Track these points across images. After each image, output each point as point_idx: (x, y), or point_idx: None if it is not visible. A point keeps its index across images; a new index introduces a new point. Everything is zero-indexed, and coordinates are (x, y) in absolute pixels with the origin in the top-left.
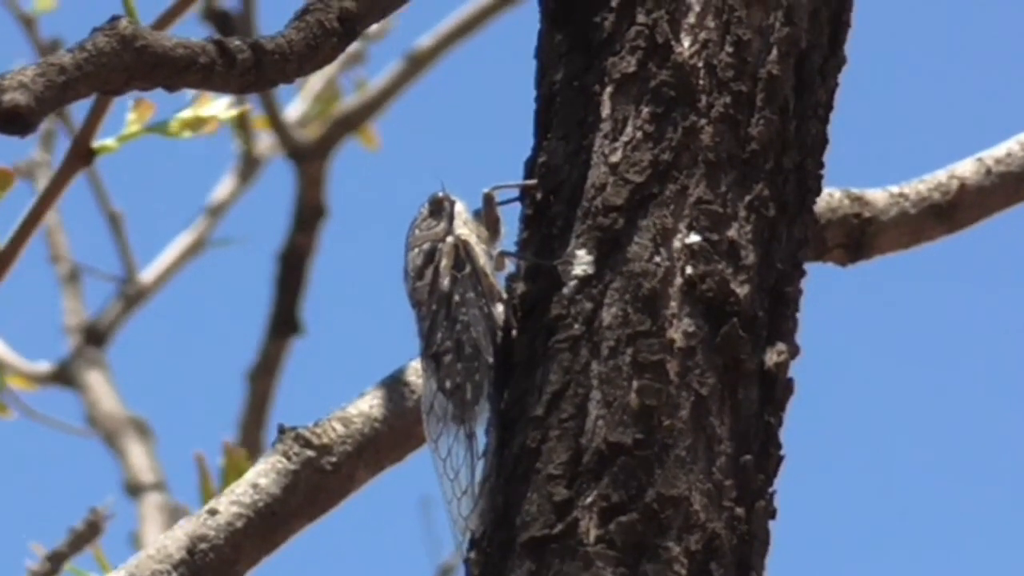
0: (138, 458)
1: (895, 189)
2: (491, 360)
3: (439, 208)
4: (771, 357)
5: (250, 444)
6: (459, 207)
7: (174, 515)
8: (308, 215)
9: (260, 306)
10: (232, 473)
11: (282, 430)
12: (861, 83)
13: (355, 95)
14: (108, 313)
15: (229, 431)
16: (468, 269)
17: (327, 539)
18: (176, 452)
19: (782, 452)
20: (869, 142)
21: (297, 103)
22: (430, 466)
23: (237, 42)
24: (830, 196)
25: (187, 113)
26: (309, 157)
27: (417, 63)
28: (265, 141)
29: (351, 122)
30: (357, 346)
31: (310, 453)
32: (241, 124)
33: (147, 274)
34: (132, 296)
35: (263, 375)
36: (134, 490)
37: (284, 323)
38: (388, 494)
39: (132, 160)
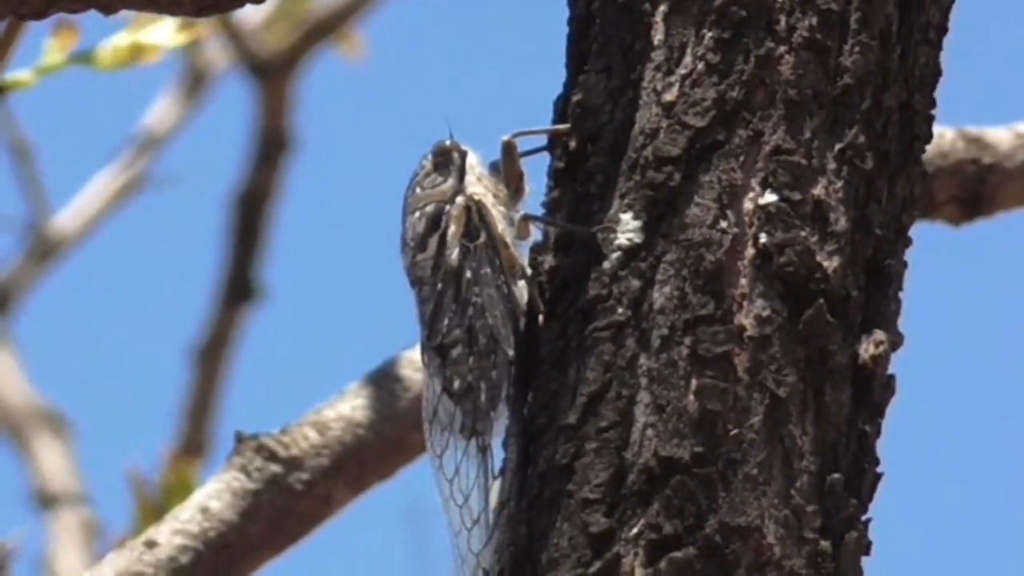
0: (51, 461)
1: (1023, 128)
2: (511, 353)
3: (446, 160)
4: (867, 348)
5: (194, 444)
6: (471, 158)
7: (97, 535)
8: (270, 147)
9: (209, 264)
10: (176, 490)
11: (240, 438)
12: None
13: None
14: (13, 271)
15: (168, 426)
16: (483, 237)
17: (292, 571)
18: (101, 453)
19: (880, 469)
20: (990, 71)
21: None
22: (427, 480)
23: None
24: (940, 137)
25: (122, 39)
26: (272, 72)
27: None
28: (215, 51)
29: (327, 26)
30: (334, 319)
31: (275, 468)
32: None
33: (63, 221)
34: (43, 249)
35: (212, 354)
36: (46, 501)
37: (239, 286)
38: (372, 513)
39: (46, 79)
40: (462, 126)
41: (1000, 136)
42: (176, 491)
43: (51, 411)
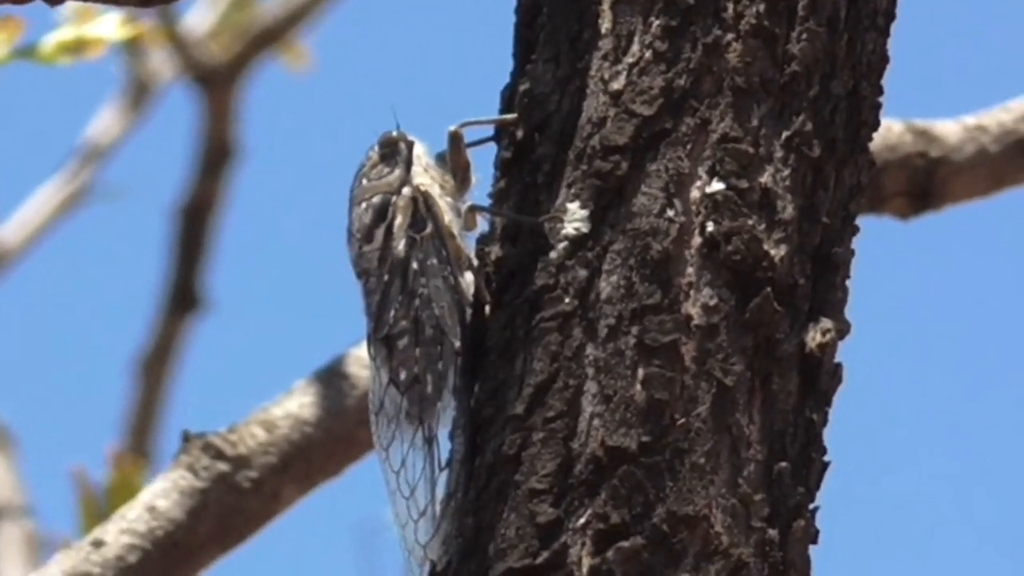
0: None
1: (971, 120)
2: (458, 344)
3: (392, 151)
4: (814, 337)
5: (139, 453)
6: (418, 149)
7: (42, 547)
8: (215, 157)
9: (152, 274)
10: (121, 491)
11: (187, 437)
12: None
13: (277, 1)
14: None
15: (112, 436)
16: (429, 228)
17: (241, 569)
18: (44, 465)
19: (827, 457)
20: (939, 62)
21: (201, 11)
22: (375, 479)
23: None
24: (888, 130)
25: (66, 33)
26: (217, 82)
27: None
28: (160, 61)
29: (271, 36)
30: (280, 328)
31: (223, 467)
32: (128, 41)
33: (7, 233)
34: None
35: (156, 364)
36: None
37: (183, 296)
38: (320, 515)
39: None
40: (408, 117)
41: (948, 129)
42: (121, 491)
43: None
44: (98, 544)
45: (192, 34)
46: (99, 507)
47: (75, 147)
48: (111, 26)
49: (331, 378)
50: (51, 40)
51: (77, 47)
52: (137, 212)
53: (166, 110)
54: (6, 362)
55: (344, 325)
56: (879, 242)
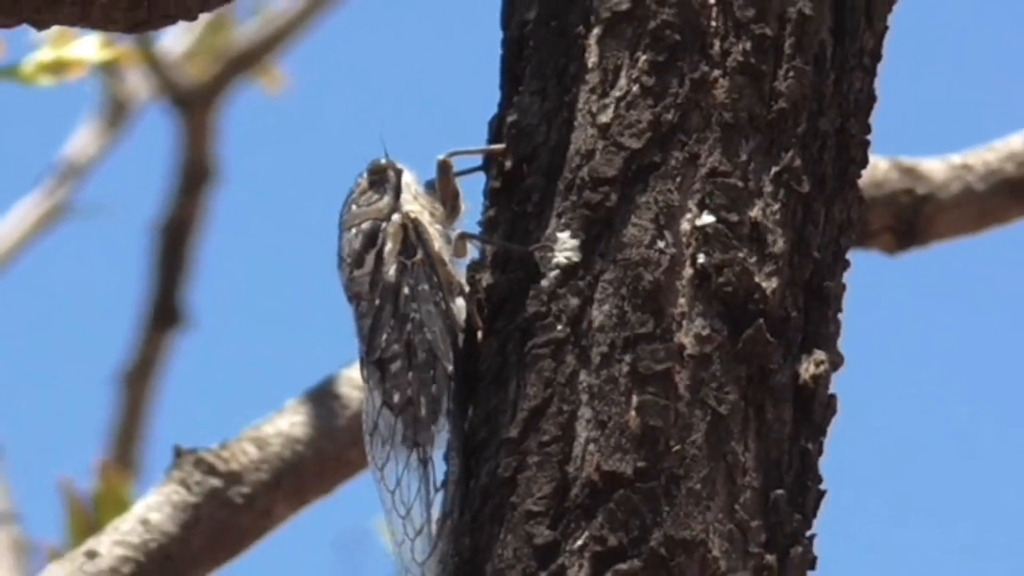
0: None
1: (957, 159)
2: (451, 368)
3: (382, 178)
4: (807, 368)
5: (123, 465)
6: (407, 177)
7: (28, 555)
8: (193, 176)
9: (132, 290)
10: (108, 501)
11: (179, 452)
12: (917, 26)
13: (253, 23)
14: None
15: (96, 447)
16: (420, 255)
17: None
18: (29, 474)
19: (822, 486)
20: (925, 101)
21: (178, 33)
22: (360, 493)
23: None
24: (875, 167)
25: (46, 54)
26: (195, 103)
27: None
28: (138, 82)
29: (248, 59)
30: (260, 344)
31: (215, 482)
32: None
33: None
34: None
35: (138, 377)
36: None
37: (164, 312)
38: (309, 531)
39: None
40: (396, 147)
41: (934, 167)
42: (108, 501)
43: None
44: (92, 555)
45: (169, 56)
46: (86, 517)
47: (53, 164)
48: (90, 48)
49: (322, 398)
50: (31, 61)
51: (57, 68)
52: (115, 230)
53: (143, 130)
54: None
55: (331, 351)
56: (866, 276)
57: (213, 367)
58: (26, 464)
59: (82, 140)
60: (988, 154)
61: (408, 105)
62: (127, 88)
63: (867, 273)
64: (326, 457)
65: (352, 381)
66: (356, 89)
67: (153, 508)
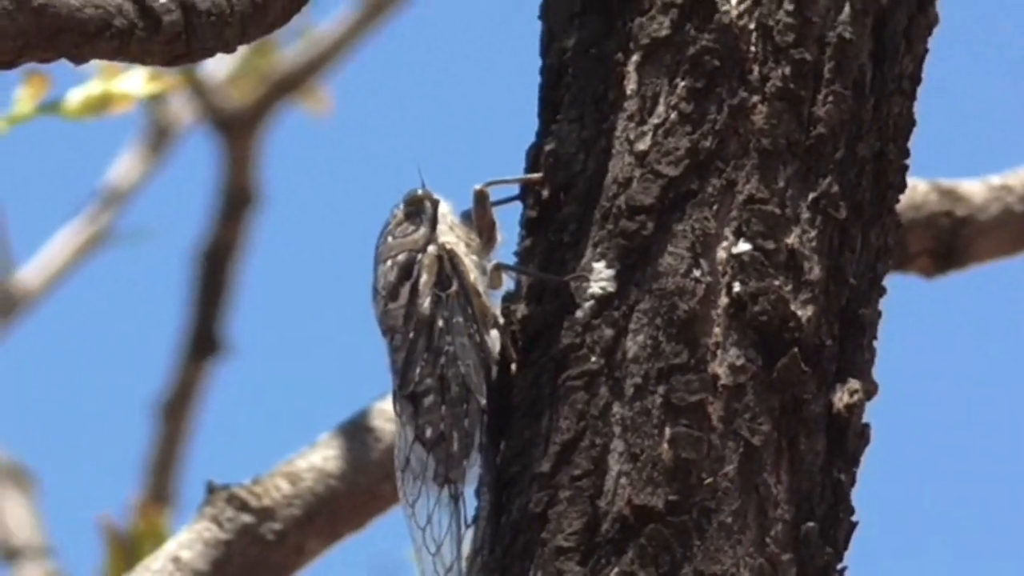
0: (16, 514)
1: (996, 180)
2: (484, 402)
3: (417, 209)
4: (841, 397)
5: (160, 498)
6: (443, 208)
7: None
8: (235, 202)
9: (173, 318)
10: (147, 537)
11: (212, 489)
12: (955, 45)
13: (297, 46)
14: None
15: (133, 480)
16: (455, 286)
17: None
18: (66, 508)
19: (855, 518)
20: (964, 121)
21: (222, 57)
22: (393, 525)
23: (163, 0)
24: (913, 189)
25: (92, 88)
26: (237, 127)
27: (378, 6)
28: (181, 106)
29: (292, 82)
30: (303, 376)
31: (247, 519)
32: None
33: (27, 276)
34: (8, 303)
35: (177, 408)
36: (10, 555)
37: (203, 340)
38: (343, 562)
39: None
40: (433, 175)
41: (973, 188)
42: (147, 538)
43: (16, 465)
44: None
45: (212, 80)
46: (125, 554)
47: (95, 191)
48: (138, 81)
49: (355, 431)
50: (77, 96)
51: (103, 103)
52: (157, 256)
53: (186, 155)
54: (26, 403)
55: (367, 378)
56: (904, 300)
57: (249, 397)
58: (61, 494)
59: (125, 165)
60: None
61: (446, 131)
62: (170, 113)
63: (905, 297)
64: (359, 491)
65: (385, 414)
66: (397, 112)
67: (184, 546)
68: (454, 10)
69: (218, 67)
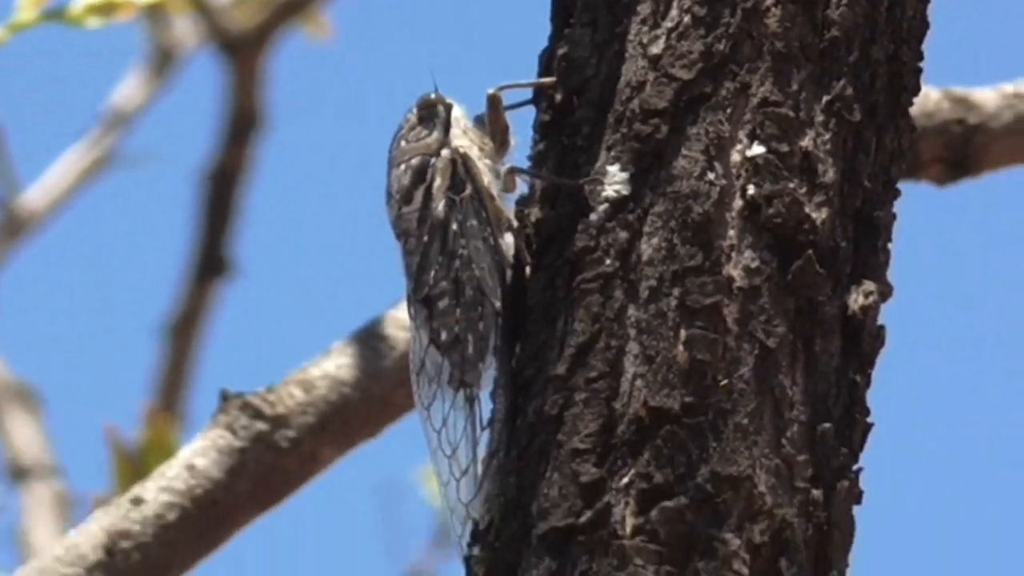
0: (24, 435)
1: (1009, 88)
2: (499, 305)
3: (431, 113)
4: (856, 299)
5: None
6: (456, 112)
7: (71, 508)
8: (241, 123)
9: (179, 239)
10: (155, 451)
11: (225, 396)
12: None
13: None
14: None
15: (141, 399)
16: (469, 190)
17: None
18: (73, 429)
19: (870, 419)
20: (977, 29)
21: None
22: (400, 441)
23: None
24: (925, 98)
25: None
26: (242, 49)
27: None
28: (184, 28)
29: (296, 5)
30: (310, 292)
31: (261, 426)
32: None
33: (33, 198)
34: (13, 226)
35: (185, 327)
36: (18, 474)
37: (210, 261)
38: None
39: (9, 53)
40: (445, 80)
41: (986, 96)
42: (155, 449)
43: (23, 386)
44: (137, 502)
45: (217, 2)
46: (133, 465)
47: (100, 113)
48: None
49: (369, 339)
50: (81, 1)
51: (107, 10)
52: (162, 178)
53: (191, 77)
54: (34, 325)
55: (378, 288)
56: (915, 208)
57: (260, 313)
58: (70, 416)
59: (129, 88)
60: None
61: (457, 38)
62: (174, 35)
63: (915, 205)
64: (373, 399)
65: (399, 322)
66: (403, 30)
67: (199, 453)
68: None
69: None
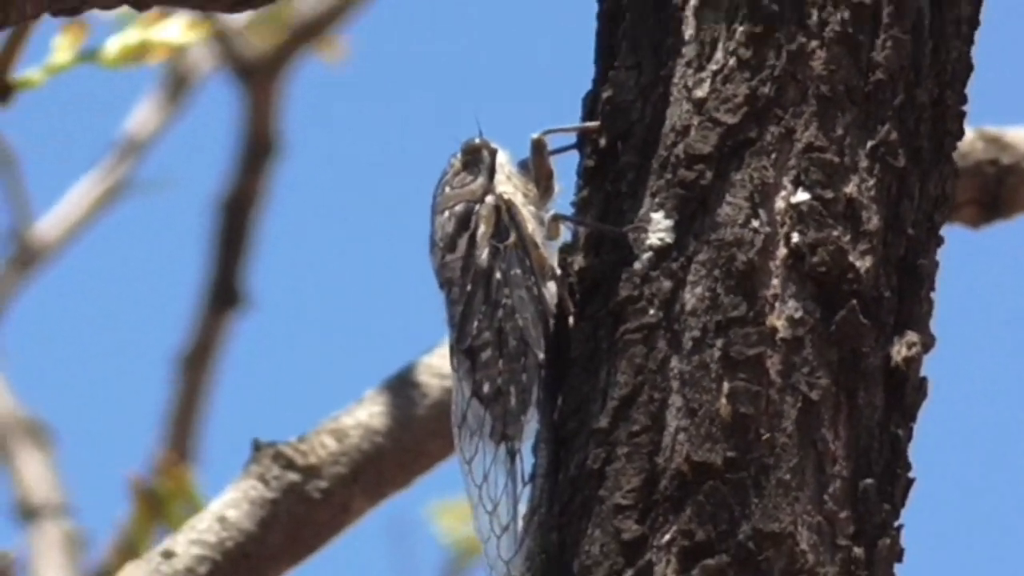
0: (34, 472)
1: None
2: (542, 356)
3: (475, 158)
4: (900, 350)
5: (182, 452)
6: (501, 157)
7: (80, 547)
8: (255, 151)
9: (194, 270)
10: (174, 496)
11: (258, 446)
12: None
13: None
14: None
15: (153, 435)
16: (513, 237)
17: None
18: (85, 463)
19: (912, 474)
20: (1011, 67)
21: None
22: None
23: None
24: None
25: (131, 37)
26: (257, 74)
27: None
28: (199, 53)
29: (312, 29)
30: (318, 321)
31: (293, 477)
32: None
33: (46, 228)
34: (26, 256)
35: (197, 360)
36: (28, 514)
37: (224, 292)
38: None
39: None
40: (486, 124)
41: (1020, 136)
42: (174, 496)
43: (34, 422)
44: (168, 555)
45: (231, 27)
46: (153, 512)
47: (114, 140)
48: (175, 29)
49: (401, 387)
50: (115, 44)
51: (141, 51)
52: (177, 206)
53: (206, 103)
54: (45, 358)
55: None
56: (949, 250)
57: (275, 347)
58: (81, 450)
59: (143, 114)
60: None
61: (492, 80)
62: (188, 60)
63: (949, 247)
64: (405, 449)
65: (432, 369)
66: (425, 60)
67: (230, 505)
68: None
69: (237, 14)
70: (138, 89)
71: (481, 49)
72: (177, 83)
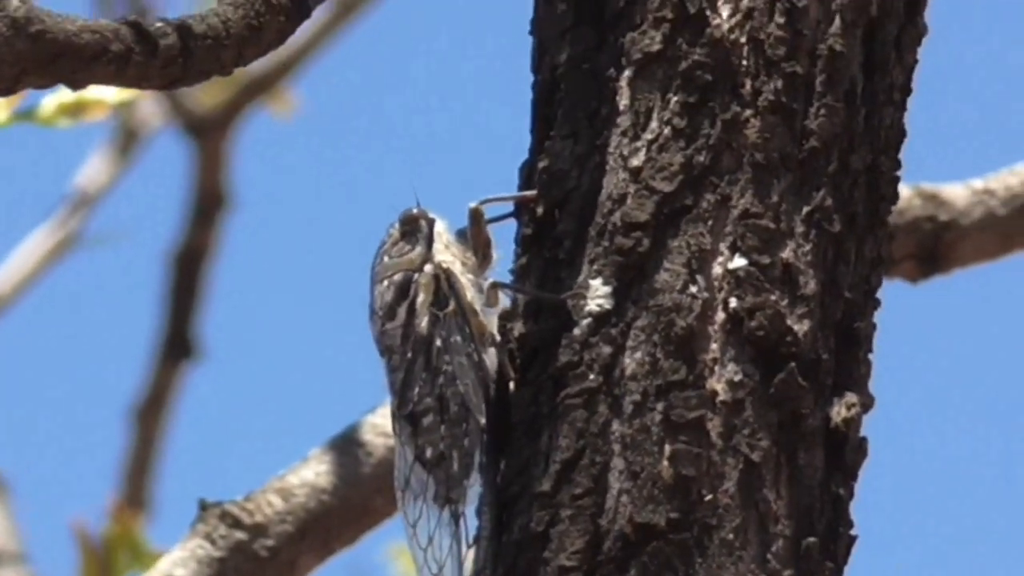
0: None
1: (978, 184)
2: (483, 421)
3: (413, 228)
4: (839, 411)
5: (135, 503)
6: (439, 226)
7: None
8: (207, 204)
9: (145, 321)
10: (121, 545)
11: (204, 506)
12: (937, 51)
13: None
14: None
15: (107, 482)
16: (452, 305)
17: None
18: (40, 513)
19: (854, 531)
20: (946, 126)
21: None
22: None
23: (159, 24)
24: None
25: (66, 95)
26: (207, 129)
27: (348, 7)
28: (149, 108)
29: (261, 85)
30: (279, 379)
31: (240, 535)
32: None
33: None
34: None
35: (150, 412)
36: None
37: (177, 344)
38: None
39: None
40: (425, 192)
41: (956, 193)
42: (121, 544)
43: None
44: None
45: None
46: (99, 561)
47: (65, 194)
48: (111, 89)
49: (346, 446)
50: (51, 103)
51: (77, 110)
52: (129, 259)
53: (156, 157)
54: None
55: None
56: (888, 306)
57: (229, 401)
58: (36, 499)
59: (95, 169)
60: (1011, 178)
61: (433, 145)
62: (139, 116)
63: (889, 302)
64: (351, 506)
65: (376, 428)
66: (373, 117)
67: (178, 563)
68: (440, 18)
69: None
70: (89, 144)
71: (423, 110)
72: (127, 138)
